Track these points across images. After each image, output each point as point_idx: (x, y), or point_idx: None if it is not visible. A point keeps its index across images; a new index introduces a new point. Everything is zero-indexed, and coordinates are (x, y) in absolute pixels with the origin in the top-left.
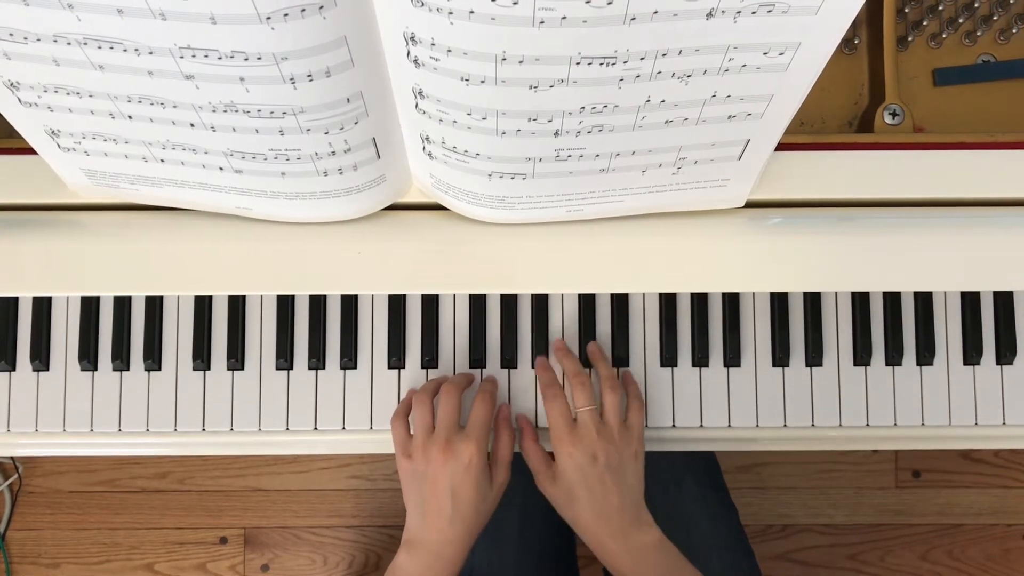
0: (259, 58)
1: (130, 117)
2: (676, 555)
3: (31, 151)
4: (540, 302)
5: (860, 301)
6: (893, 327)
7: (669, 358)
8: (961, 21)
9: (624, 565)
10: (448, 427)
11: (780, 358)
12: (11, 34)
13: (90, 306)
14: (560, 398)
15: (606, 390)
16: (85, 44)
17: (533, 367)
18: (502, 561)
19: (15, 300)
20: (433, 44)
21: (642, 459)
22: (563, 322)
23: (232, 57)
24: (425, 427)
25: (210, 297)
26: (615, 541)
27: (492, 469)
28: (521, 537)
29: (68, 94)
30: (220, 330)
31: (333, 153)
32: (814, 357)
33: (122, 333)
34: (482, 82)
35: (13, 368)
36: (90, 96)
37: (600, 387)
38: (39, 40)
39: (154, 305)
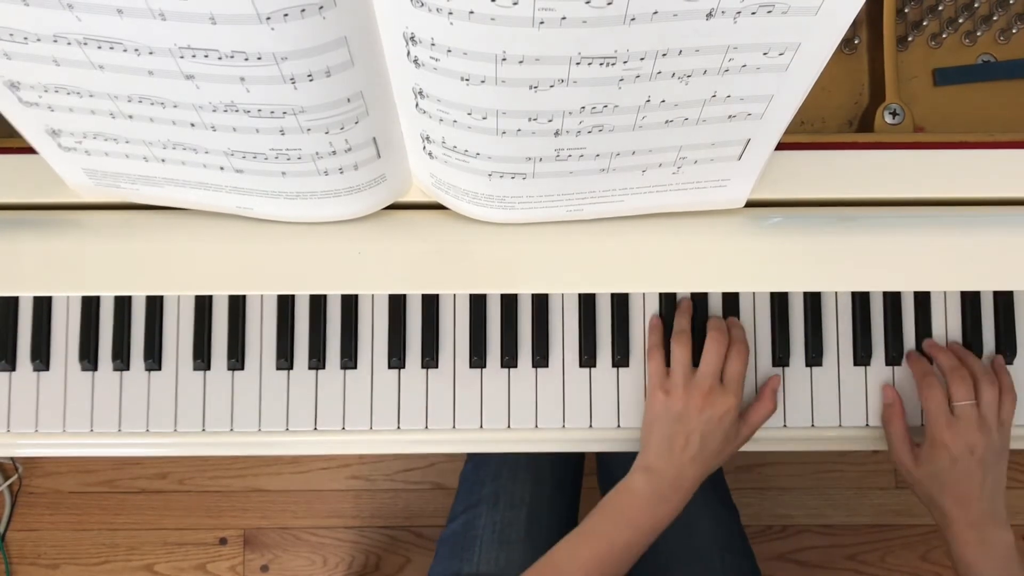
0: (259, 58)
1: (131, 117)
2: (1021, 565)
3: (31, 151)
4: (540, 302)
5: (860, 301)
6: (893, 327)
7: (669, 358)
8: (961, 21)
9: (970, 552)
10: (712, 376)
11: (780, 358)
12: (11, 34)
13: (90, 306)
14: (938, 387)
15: (985, 383)
16: (85, 44)
17: (533, 366)
18: (508, 560)
19: (15, 300)
20: (433, 44)
21: (1007, 454)
22: (563, 322)
23: (232, 57)
24: (687, 367)
25: (210, 297)
26: (969, 529)
27: (740, 426)
28: (527, 538)
29: (68, 94)
30: (220, 330)
31: (334, 153)
32: (814, 357)
33: (122, 333)
34: (482, 82)
35: (13, 368)
36: (90, 96)
37: (976, 379)
38: (39, 40)
39: (154, 305)
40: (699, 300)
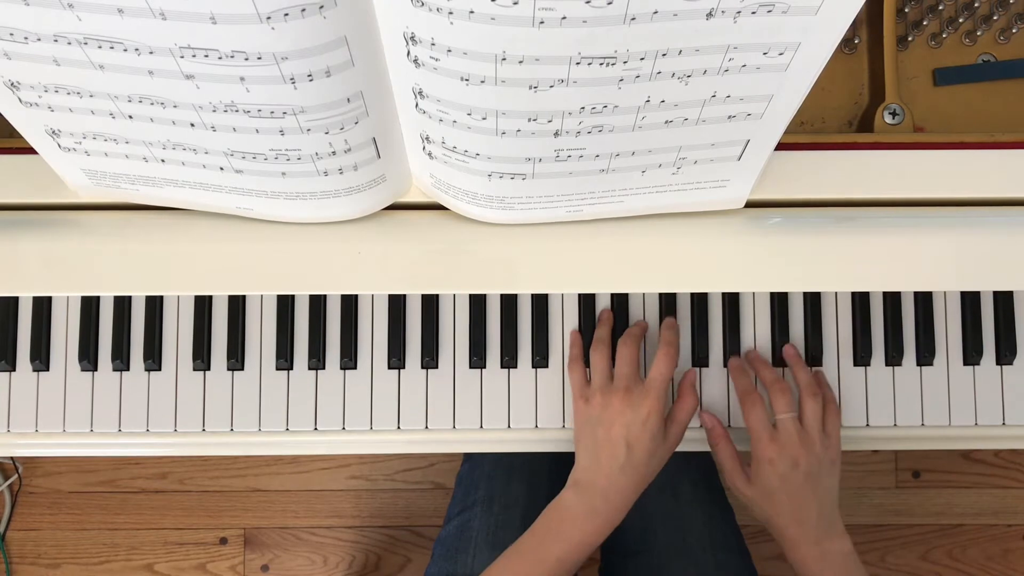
0: (259, 58)
1: (130, 117)
2: (863, 570)
3: (31, 151)
4: (540, 302)
5: (860, 301)
6: (893, 327)
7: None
8: (961, 21)
9: (812, 569)
10: (628, 377)
11: (780, 358)
12: (11, 34)
13: (90, 306)
14: (760, 404)
15: (806, 397)
16: (85, 44)
17: (533, 366)
18: None
19: (15, 300)
20: (433, 44)
21: (838, 465)
22: (563, 322)
23: (232, 57)
24: (604, 374)
25: (210, 297)
26: (808, 546)
27: (668, 427)
28: None
29: (68, 94)
30: (220, 330)
31: (333, 153)
32: (814, 357)
33: (122, 333)
34: (482, 82)
35: (13, 368)
36: (90, 96)
37: (799, 393)
38: (39, 40)
39: (154, 305)
40: (699, 300)
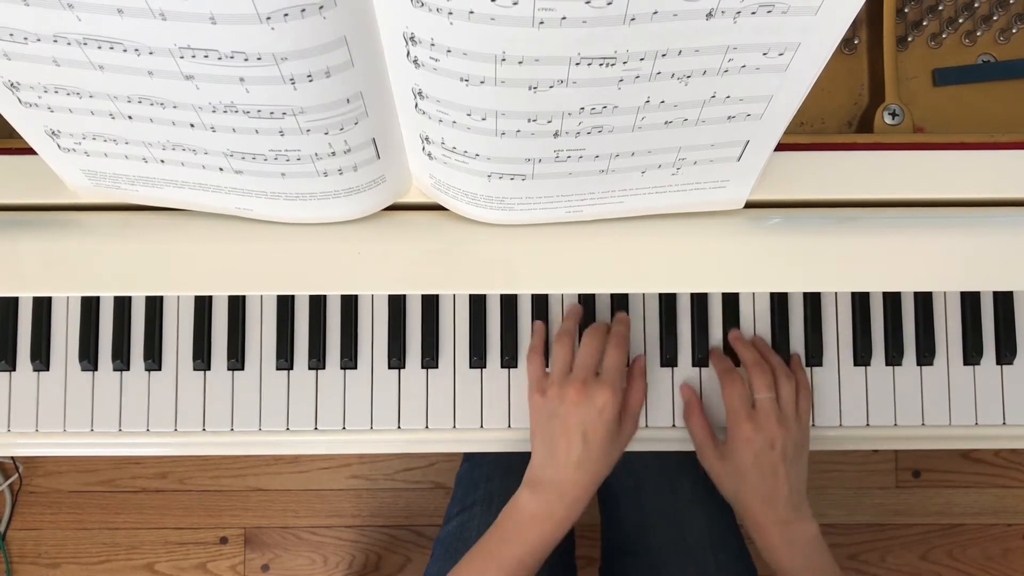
0: (259, 58)
1: (130, 117)
2: (828, 554)
3: (31, 151)
4: (540, 302)
5: (860, 301)
6: (893, 327)
7: (669, 358)
8: (961, 21)
9: (779, 552)
10: (586, 369)
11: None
12: (11, 34)
13: (90, 306)
14: (740, 382)
15: (782, 378)
16: (85, 44)
17: None
18: None
19: (15, 300)
20: (433, 44)
21: (807, 449)
22: (563, 322)
23: (232, 57)
24: (564, 366)
25: (210, 297)
26: (776, 527)
27: (622, 418)
28: None
29: (68, 94)
30: (220, 330)
31: (333, 154)
32: (814, 357)
33: (122, 333)
34: (482, 83)
35: (13, 368)
36: (90, 96)
37: (776, 375)
38: (39, 40)
39: (154, 305)
40: (698, 300)
